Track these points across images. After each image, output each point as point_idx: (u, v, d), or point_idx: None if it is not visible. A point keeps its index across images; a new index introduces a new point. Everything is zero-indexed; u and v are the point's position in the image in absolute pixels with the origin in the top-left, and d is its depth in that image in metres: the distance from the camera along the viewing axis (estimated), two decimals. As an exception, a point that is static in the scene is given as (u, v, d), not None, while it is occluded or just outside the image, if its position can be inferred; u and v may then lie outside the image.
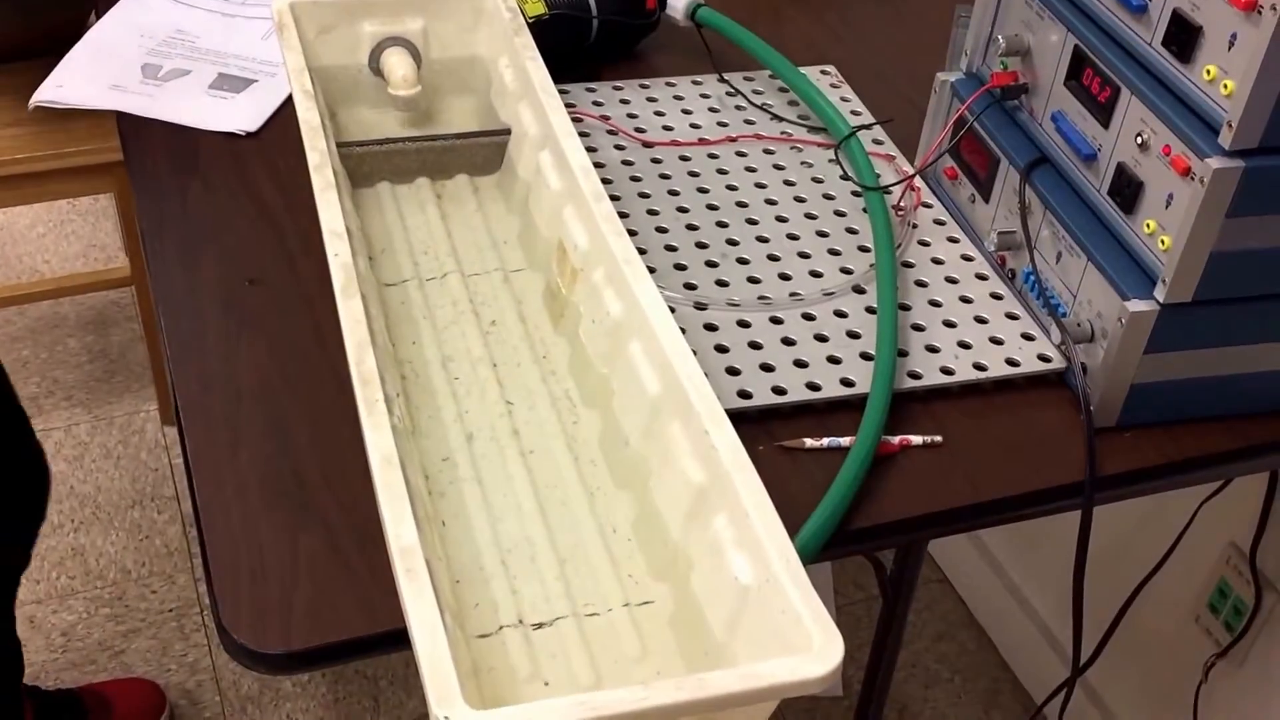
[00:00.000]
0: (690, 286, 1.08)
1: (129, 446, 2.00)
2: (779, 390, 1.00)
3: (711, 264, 1.11)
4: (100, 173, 1.67)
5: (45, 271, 2.17)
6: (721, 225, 1.16)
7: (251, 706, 1.69)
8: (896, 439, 1.00)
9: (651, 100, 1.32)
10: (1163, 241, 0.95)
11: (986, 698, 1.82)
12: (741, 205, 1.18)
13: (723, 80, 1.36)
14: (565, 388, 0.97)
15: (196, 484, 0.90)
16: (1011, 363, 1.05)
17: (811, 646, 0.70)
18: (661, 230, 1.14)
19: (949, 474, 0.99)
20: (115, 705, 1.59)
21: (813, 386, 1.01)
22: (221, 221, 1.12)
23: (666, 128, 1.28)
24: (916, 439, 1.00)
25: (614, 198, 1.16)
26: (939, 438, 1.01)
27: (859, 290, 1.10)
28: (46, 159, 1.63)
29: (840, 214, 1.19)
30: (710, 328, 1.05)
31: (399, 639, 0.81)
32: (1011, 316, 1.09)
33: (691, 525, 0.82)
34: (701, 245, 1.13)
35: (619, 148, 1.24)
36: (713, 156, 1.25)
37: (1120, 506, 1.61)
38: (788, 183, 1.22)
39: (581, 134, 1.23)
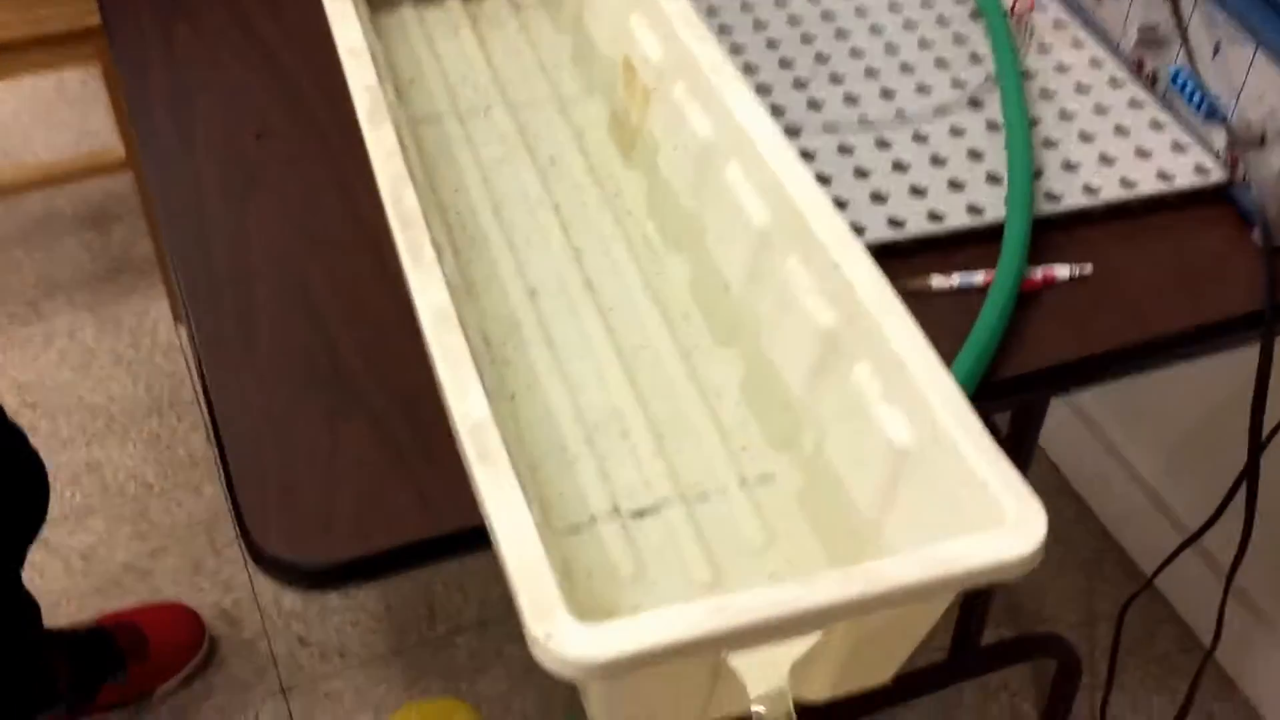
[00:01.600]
0: (777, 111, 0.91)
1: (140, 350, 1.84)
2: (895, 222, 0.85)
3: (800, 84, 0.94)
4: (81, 41, 1.50)
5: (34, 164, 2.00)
6: (807, 40, 0.98)
7: (296, 622, 1.55)
8: (1039, 272, 0.84)
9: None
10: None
11: (1089, 568, 1.68)
12: (828, 17, 1.00)
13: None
14: (644, 231, 0.80)
15: (208, 373, 0.75)
16: (1164, 176, 0.89)
17: (1003, 518, 0.54)
18: (737, 49, 0.96)
19: (1104, 309, 0.84)
20: (150, 638, 1.45)
21: (934, 216, 0.86)
22: (216, 68, 0.95)
23: (728, -65, 1.09)
24: (1062, 270, 0.85)
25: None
26: (1088, 266, 0.85)
27: (975, 104, 0.93)
28: (22, 25, 1.46)
29: (943, 21, 1.01)
30: (806, 155, 0.88)
31: (466, 541, 0.66)
32: (1157, 125, 0.92)
33: (820, 381, 0.66)
34: (786, 64, 0.95)
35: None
36: (785, -37, 1.07)
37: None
38: (877, -13, 1.04)
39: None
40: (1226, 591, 1.44)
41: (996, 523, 0.54)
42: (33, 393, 1.78)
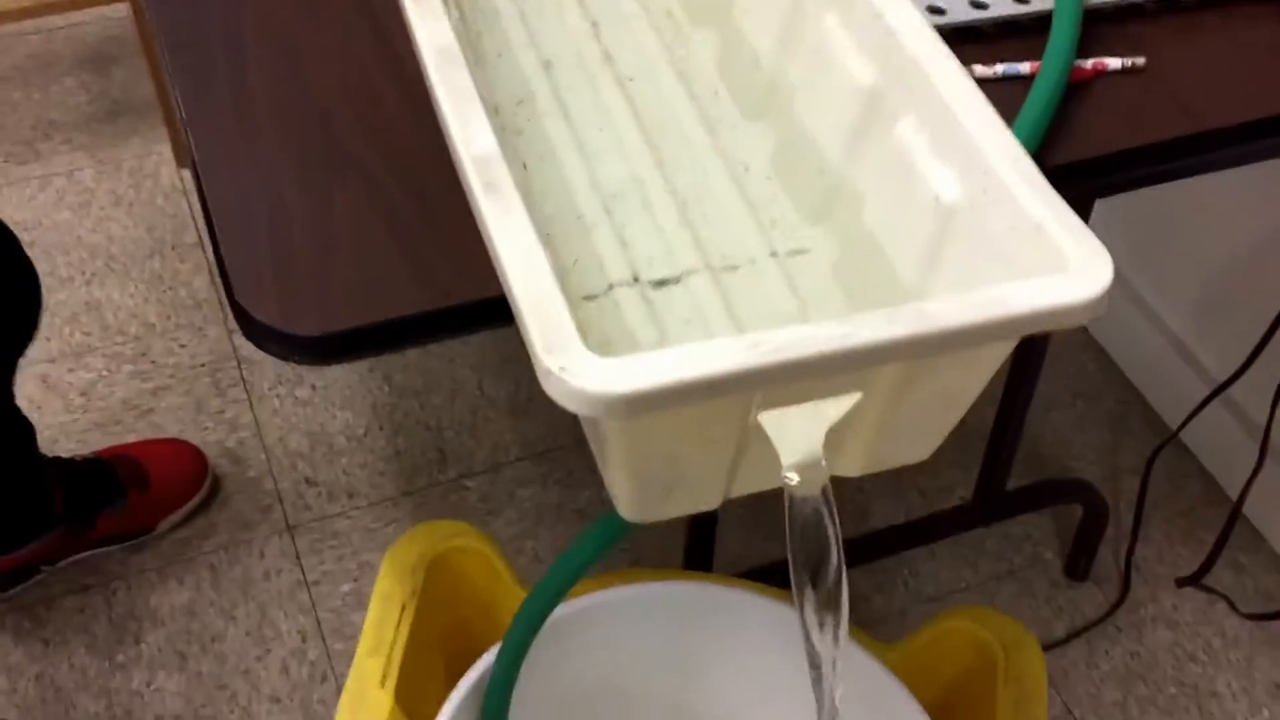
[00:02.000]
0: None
1: (141, 192, 1.79)
2: (935, 9, 0.79)
3: None
4: None
5: None
6: None
7: (302, 462, 1.52)
8: (1089, 62, 0.78)
9: None
10: None
11: (1113, 421, 1.63)
12: None
13: None
14: (666, 5, 0.74)
15: (194, 139, 0.69)
16: (1224, -35, 0.82)
17: (1065, 267, 0.49)
18: None
19: (1157, 102, 0.79)
20: (150, 471, 1.42)
21: (978, 4, 0.80)
22: None
23: None
24: (1113, 62, 0.79)
25: None
26: (1140, 59, 0.79)
27: (1024, -117, 0.87)
28: None
29: None
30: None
31: (470, 317, 0.61)
32: (1217, -89, 0.85)
33: (860, 143, 0.61)
34: None
35: None
36: None
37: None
38: None
39: None
40: (1267, 436, 1.40)
41: (1057, 272, 0.49)
42: (29, 231, 1.73)
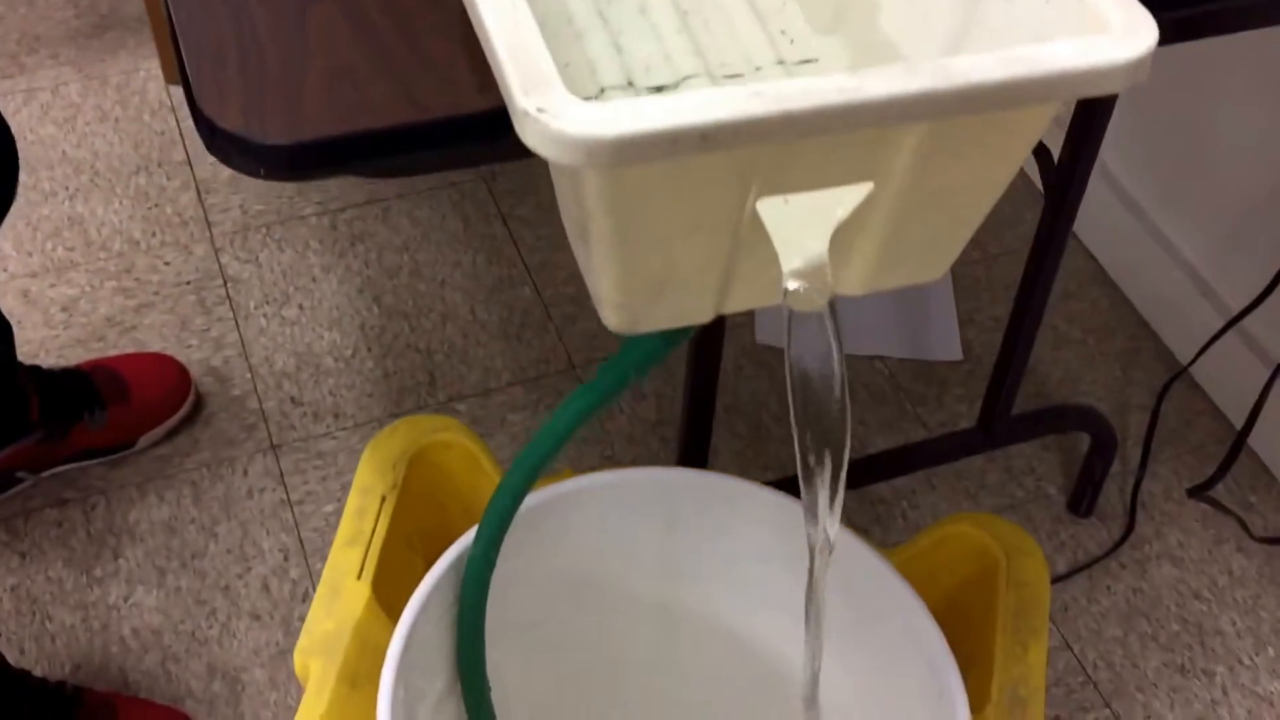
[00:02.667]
0: None
1: (128, 109, 1.74)
2: None
3: None
4: None
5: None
6: None
7: (288, 382, 1.48)
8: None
9: None
10: None
11: (1124, 358, 1.59)
12: None
13: None
14: None
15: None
16: None
17: (1107, 29, 0.45)
18: None
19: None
20: (131, 384, 1.38)
21: None
22: None
23: None
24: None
25: None
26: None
27: None
28: None
29: None
30: None
31: (448, 132, 0.57)
32: None
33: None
34: None
35: None
36: None
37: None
38: None
39: None
40: (1276, 372, 1.36)
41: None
42: (14, 147, 1.69)
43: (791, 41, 0.58)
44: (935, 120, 0.42)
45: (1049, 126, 0.48)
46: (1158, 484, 1.48)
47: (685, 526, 0.92)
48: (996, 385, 1.29)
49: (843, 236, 0.48)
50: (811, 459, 0.54)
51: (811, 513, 0.56)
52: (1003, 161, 0.48)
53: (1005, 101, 0.42)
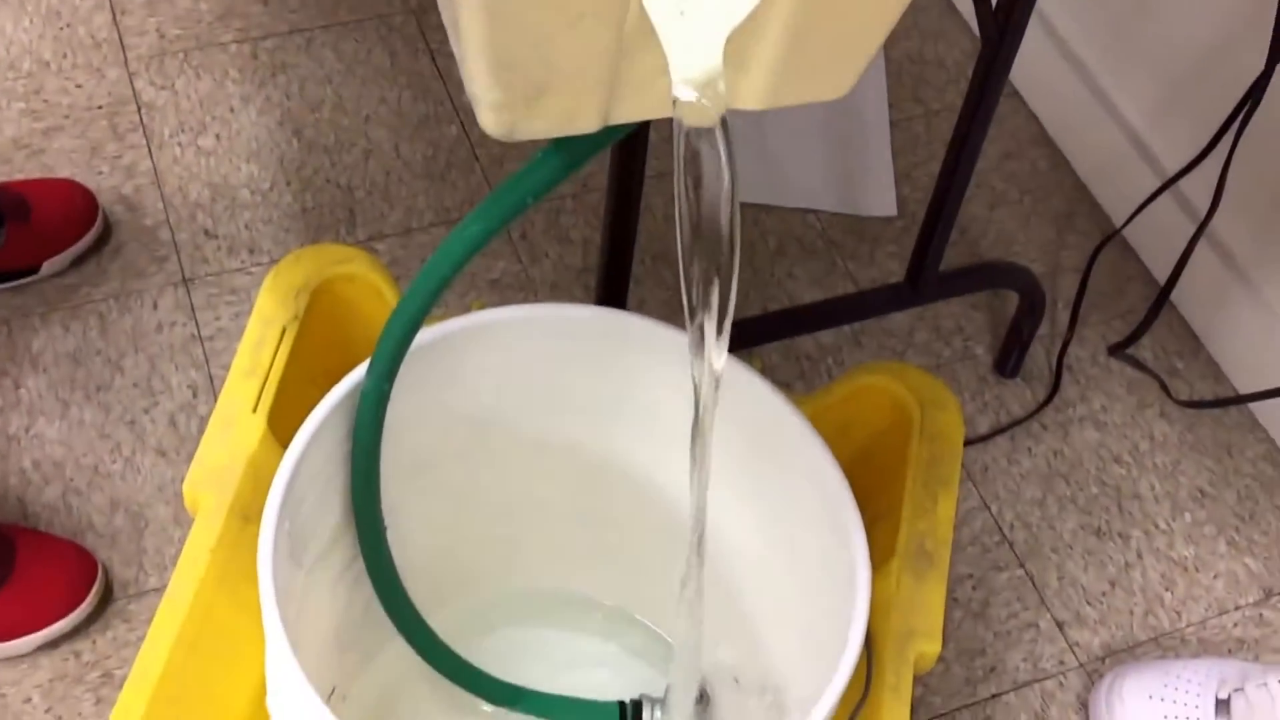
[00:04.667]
0: None
1: (41, -77, 1.66)
2: None
3: None
4: None
5: None
6: None
7: (203, 214, 1.43)
8: None
9: None
10: None
11: (1060, 220, 1.57)
12: None
13: None
14: None
15: None
16: None
17: None
18: None
19: None
20: (32, 204, 1.32)
21: None
22: None
23: None
24: None
25: None
26: None
27: None
28: None
29: None
30: None
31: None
32: None
33: None
34: None
35: None
36: None
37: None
38: None
39: None
40: (1199, 232, 1.34)
41: None
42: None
43: None
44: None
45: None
46: (1085, 348, 1.47)
47: (593, 365, 0.89)
48: (925, 238, 1.27)
49: (739, 42, 0.44)
50: (698, 289, 0.51)
51: (698, 345, 0.53)
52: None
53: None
